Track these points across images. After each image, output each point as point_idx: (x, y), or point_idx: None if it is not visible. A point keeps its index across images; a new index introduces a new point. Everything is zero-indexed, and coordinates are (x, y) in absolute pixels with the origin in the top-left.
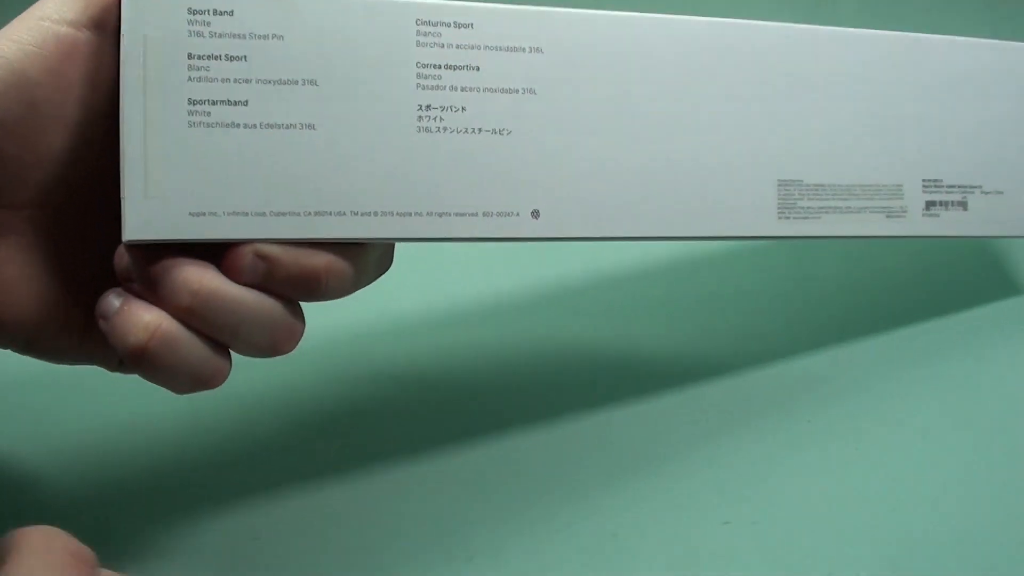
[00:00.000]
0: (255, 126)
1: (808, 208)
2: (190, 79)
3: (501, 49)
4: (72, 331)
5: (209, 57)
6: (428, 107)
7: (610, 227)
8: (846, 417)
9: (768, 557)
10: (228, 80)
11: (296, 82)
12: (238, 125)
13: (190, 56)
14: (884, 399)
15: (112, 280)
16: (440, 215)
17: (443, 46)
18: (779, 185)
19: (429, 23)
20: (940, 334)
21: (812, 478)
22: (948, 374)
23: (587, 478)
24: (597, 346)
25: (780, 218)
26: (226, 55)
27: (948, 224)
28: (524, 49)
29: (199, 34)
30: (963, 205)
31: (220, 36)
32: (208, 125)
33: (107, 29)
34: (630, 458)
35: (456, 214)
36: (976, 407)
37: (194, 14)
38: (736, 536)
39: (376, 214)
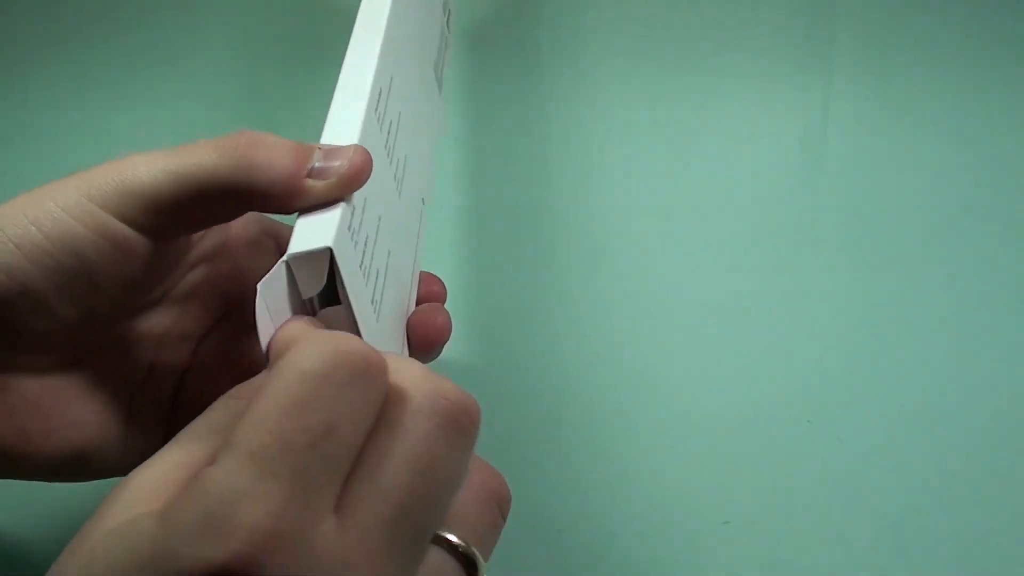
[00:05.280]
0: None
1: None
2: (366, 285)
3: None
4: (118, 451)
5: (362, 262)
6: None
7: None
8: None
9: (768, 557)
10: (372, 264)
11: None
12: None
13: (361, 266)
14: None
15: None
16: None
17: None
18: None
19: None
20: None
21: (810, 478)
22: None
23: (587, 478)
24: (595, 345)
25: None
26: (363, 244)
27: None
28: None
29: (356, 244)
30: None
31: (358, 232)
32: (380, 315)
33: (156, 234)
34: (630, 458)
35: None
36: None
37: (350, 230)
38: (736, 536)
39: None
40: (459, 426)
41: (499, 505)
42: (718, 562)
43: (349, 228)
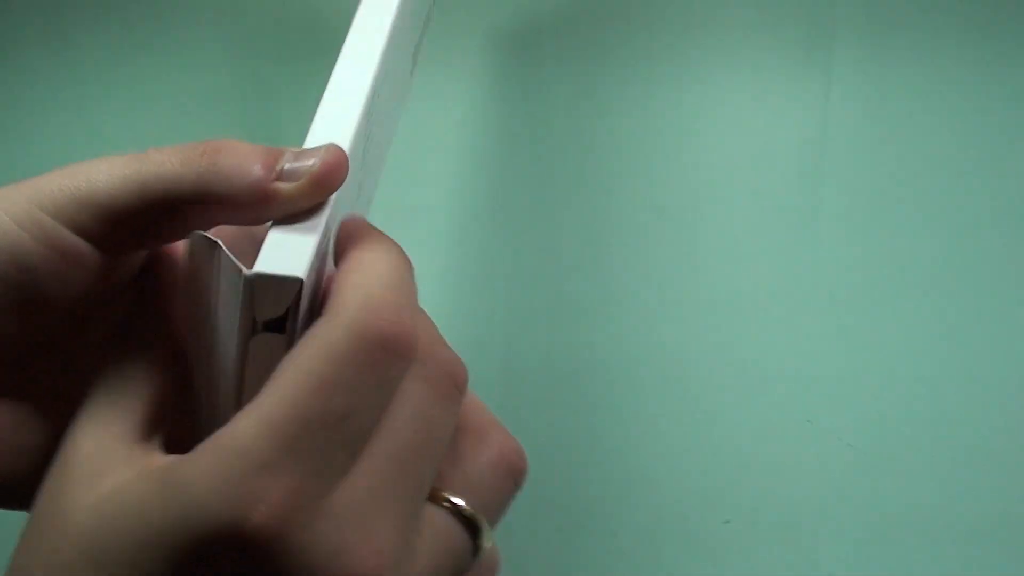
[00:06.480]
0: None
1: None
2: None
3: None
4: None
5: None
6: None
7: None
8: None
9: (768, 557)
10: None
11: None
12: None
13: None
14: None
15: None
16: None
17: None
18: None
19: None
20: None
21: (810, 478)
22: None
23: (586, 478)
24: (593, 345)
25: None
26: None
27: None
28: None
29: (316, 271)
30: None
31: (325, 257)
32: None
33: (110, 246)
34: (630, 458)
35: None
36: None
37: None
38: (736, 536)
39: None
40: (452, 391)
41: (514, 476)
42: (718, 562)
43: (317, 254)
